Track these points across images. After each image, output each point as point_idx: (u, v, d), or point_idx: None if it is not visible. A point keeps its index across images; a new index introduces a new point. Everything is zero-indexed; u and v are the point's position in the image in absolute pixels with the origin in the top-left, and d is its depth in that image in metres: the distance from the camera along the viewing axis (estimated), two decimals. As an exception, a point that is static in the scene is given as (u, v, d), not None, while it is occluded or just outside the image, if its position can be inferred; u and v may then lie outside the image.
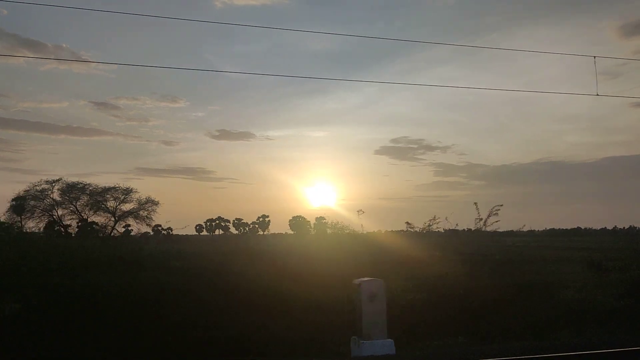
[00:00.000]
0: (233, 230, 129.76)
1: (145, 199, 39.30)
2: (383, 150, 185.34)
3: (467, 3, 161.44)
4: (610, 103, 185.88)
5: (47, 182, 37.13)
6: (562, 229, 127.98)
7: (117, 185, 38.33)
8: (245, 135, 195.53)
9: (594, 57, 14.79)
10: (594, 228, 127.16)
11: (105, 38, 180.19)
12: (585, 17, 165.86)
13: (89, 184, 38.42)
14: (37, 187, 36.88)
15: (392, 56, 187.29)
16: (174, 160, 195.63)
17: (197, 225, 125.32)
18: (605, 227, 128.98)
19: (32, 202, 36.55)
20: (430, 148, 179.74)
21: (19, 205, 36.06)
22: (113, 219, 37.68)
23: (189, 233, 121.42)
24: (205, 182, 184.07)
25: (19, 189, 38.45)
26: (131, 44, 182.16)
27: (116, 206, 38.03)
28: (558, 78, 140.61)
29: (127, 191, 38.43)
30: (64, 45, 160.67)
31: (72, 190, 37.23)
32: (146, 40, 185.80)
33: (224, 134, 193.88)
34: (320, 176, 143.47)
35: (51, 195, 36.91)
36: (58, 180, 37.17)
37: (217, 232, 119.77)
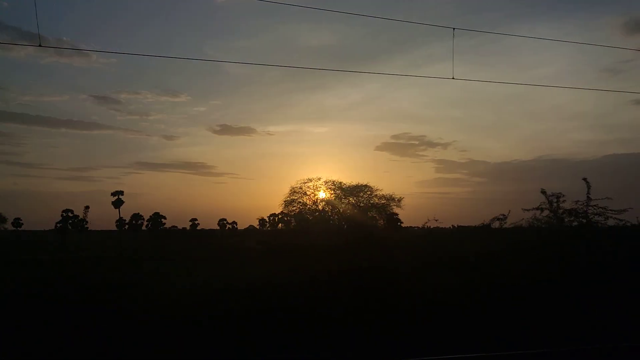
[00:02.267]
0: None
1: (390, 195, 43.53)
2: (384, 147, 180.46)
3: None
4: (612, 100, 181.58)
5: (308, 180, 43.09)
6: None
7: (366, 183, 43.39)
8: (246, 131, 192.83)
9: None
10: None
11: (105, 32, 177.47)
12: (587, 13, 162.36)
13: (341, 181, 43.50)
14: (302, 185, 42.73)
15: (393, 52, 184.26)
16: (175, 154, 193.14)
17: (259, 219, 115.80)
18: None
19: (302, 199, 42.39)
20: (431, 144, 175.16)
21: (290, 201, 41.89)
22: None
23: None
24: (205, 177, 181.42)
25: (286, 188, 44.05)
26: (132, 38, 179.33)
27: (364, 201, 42.36)
28: (559, 74, 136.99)
29: (367, 187, 43.48)
30: (65, 39, 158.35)
31: (329, 187, 42.60)
32: (147, 35, 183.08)
33: (225, 129, 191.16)
34: (321, 172, 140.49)
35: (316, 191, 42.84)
36: (319, 179, 43.28)
37: (279, 226, 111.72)
